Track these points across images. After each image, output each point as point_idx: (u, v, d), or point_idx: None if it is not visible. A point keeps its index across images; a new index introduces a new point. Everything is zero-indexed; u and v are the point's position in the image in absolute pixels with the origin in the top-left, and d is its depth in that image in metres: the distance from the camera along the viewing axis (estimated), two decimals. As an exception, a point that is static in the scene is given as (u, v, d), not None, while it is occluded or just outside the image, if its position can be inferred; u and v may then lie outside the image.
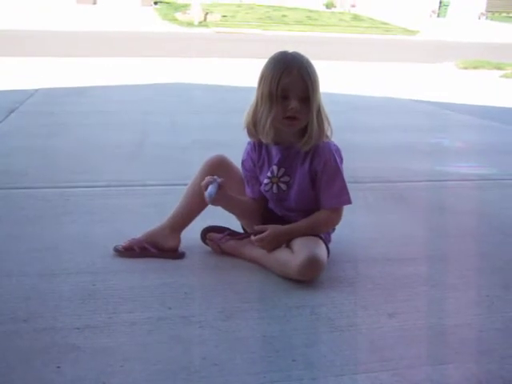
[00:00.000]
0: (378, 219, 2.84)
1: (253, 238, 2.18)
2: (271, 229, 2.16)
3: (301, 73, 2.05)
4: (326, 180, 2.15)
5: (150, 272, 2.13)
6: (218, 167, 2.28)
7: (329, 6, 36.49)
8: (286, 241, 2.16)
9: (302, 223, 2.18)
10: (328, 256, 2.15)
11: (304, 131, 2.11)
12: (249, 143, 2.29)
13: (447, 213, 2.98)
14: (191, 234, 2.32)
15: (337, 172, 2.15)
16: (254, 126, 2.16)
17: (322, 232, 2.20)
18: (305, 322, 1.81)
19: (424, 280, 2.16)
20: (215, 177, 2.14)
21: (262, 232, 2.16)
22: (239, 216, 2.37)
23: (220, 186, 2.12)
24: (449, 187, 3.48)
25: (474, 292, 2.09)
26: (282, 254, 2.12)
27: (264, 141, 2.18)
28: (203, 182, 2.12)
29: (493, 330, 1.82)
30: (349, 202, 2.18)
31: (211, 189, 2.09)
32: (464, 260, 2.37)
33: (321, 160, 2.14)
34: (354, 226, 2.61)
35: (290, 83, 2.04)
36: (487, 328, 1.83)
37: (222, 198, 2.16)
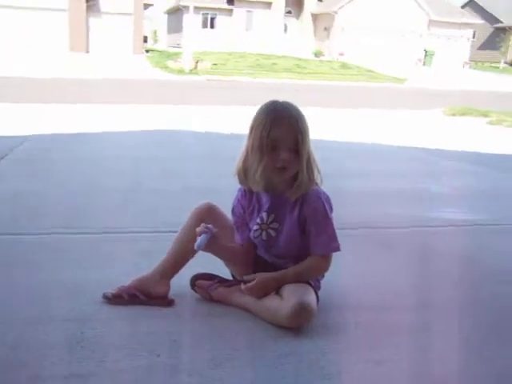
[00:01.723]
0: (366, 266, 2.85)
1: (242, 287, 2.18)
2: (259, 277, 2.17)
3: (291, 124, 2.08)
4: (315, 227, 2.17)
5: (139, 319, 2.12)
6: (207, 215, 2.30)
7: (317, 54, 37.26)
8: (275, 288, 2.16)
9: (292, 270, 2.19)
10: (317, 303, 2.15)
11: (294, 179, 2.14)
12: (239, 190, 2.32)
13: (435, 259, 3.00)
14: (181, 281, 2.32)
15: (326, 219, 2.17)
16: (244, 174, 2.19)
17: (312, 278, 2.21)
18: (294, 370, 1.81)
19: (411, 327, 2.16)
20: (210, 226, 2.15)
21: (251, 281, 2.17)
22: (229, 262, 2.37)
23: (213, 236, 2.14)
24: (437, 233, 3.50)
25: (462, 340, 2.09)
26: (272, 302, 2.12)
27: (254, 189, 2.21)
28: (198, 229, 2.14)
29: (482, 379, 1.82)
30: (338, 249, 2.19)
31: (201, 240, 2.11)
32: (452, 307, 2.38)
33: (310, 207, 2.16)
34: (341, 272, 2.61)
35: (280, 135, 2.07)
36: (476, 376, 1.83)
37: (211, 247, 2.17)
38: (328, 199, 2.22)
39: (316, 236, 2.18)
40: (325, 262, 2.21)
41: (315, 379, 1.76)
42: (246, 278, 2.20)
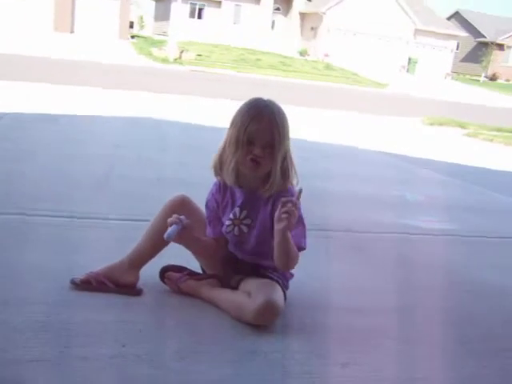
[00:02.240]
0: (338, 268, 2.86)
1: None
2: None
3: (270, 121, 2.08)
4: None
5: (106, 307, 2.11)
6: (180, 207, 2.28)
7: (302, 53, 37.34)
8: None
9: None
10: (285, 302, 2.15)
11: (268, 177, 2.14)
12: (214, 184, 2.31)
13: (407, 266, 3.03)
14: (150, 272, 2.30)
15: (298, 216, 2.16)
16: (220, 167, 2.20)
17: (285, 266, 2.14)
18: (258, 367, 1.81)
19: (380, 332, 2.18)
20: (182, 217, 2.14)
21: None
22: (199, 256, 2.37)
23: (184, 228, 2.13)
24: (410, 240, 3.54)
25: (431, 346, 2.12)
26: (239, 297, 2.12)
27: (228, 182, 2.21)
28: (169, 220, 2.13)
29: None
30: (304, 247, 2.17)
31: (171, 230, 2.11)
32: (421, 313, 2.41)
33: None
34: (313, 274, 2.64)
35: (256, 131, 2.07)
36: (444, 381, 1.86)
37: (183, 239, 2.17)
38: None
39: None
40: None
41: (280, 378, 1.77)
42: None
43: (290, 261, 2.14)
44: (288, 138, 2.14)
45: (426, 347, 2.11)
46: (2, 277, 2.25)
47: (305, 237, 2.18)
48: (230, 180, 2.18)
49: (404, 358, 2.01)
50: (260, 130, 2.08)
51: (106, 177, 4.14)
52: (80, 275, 2.24)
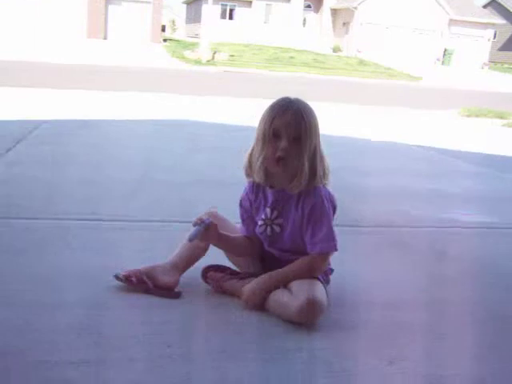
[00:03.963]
0: (379, 264, 2.82)
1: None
2: (246, 287, 2.16)
3: (295, 115, 2.06)
4: (312, 225, 2.13)
5: (150, 308, 2.11)
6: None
7: (335, 49, 37.13)
8: (270, 289, 2.13)
9: (286, 270, 2.16)
10: (327, 296, 2.12)
11: (295, 175, 2.11)
12: (248, 183, 2.30)
13: (447, 259, 2.98)
14: (192, 272, 2.31)
15: (323, 217, 2.13)
16: (249, 166, 2.19)
17: (308, 277, 2.14)
18: (303, 365, 1.80)
19: (424, 326, 2.15)
20: (205, 218, 2.17)
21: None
22: (234, 253, 2.37)
23: (208, 228, 2.15)
24: (449, 234, 3.47)
25: (473, 340, 2.07)
26: (282, 296, 2.10)
27: (257, 180, 2.20)
28: (193, 221, 2.15)
29: (491, 380, 1.80)
30: (335, 248, 2.14)
31: (193, 231, 2.14)
32: (463, 307, 2.36)
33: (309, 204, 2.13)
34: (354, 270, 2.61)
35: (282, 123, 2.06)
36: (486, 377, 1.82)
37: (209, 238, 2.19)
38: (331, 198, 2.18)
39: (312, 234, 2.14)
40: (321, 260, 2.16)
41: (325, 376, 1.74)
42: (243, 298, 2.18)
43: (307, 277, 2.13)
44: (316, 136, 2.11)
45: (469, 341, 2.06)
46: (43, 281, 2.28)
47: (330, 239, 2.13)
48: (259, 179, 2.17)
49: (448, 352, 1.96)
50: (286, 122, 2.05)
51: (140, 180, 4.17)
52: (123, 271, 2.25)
